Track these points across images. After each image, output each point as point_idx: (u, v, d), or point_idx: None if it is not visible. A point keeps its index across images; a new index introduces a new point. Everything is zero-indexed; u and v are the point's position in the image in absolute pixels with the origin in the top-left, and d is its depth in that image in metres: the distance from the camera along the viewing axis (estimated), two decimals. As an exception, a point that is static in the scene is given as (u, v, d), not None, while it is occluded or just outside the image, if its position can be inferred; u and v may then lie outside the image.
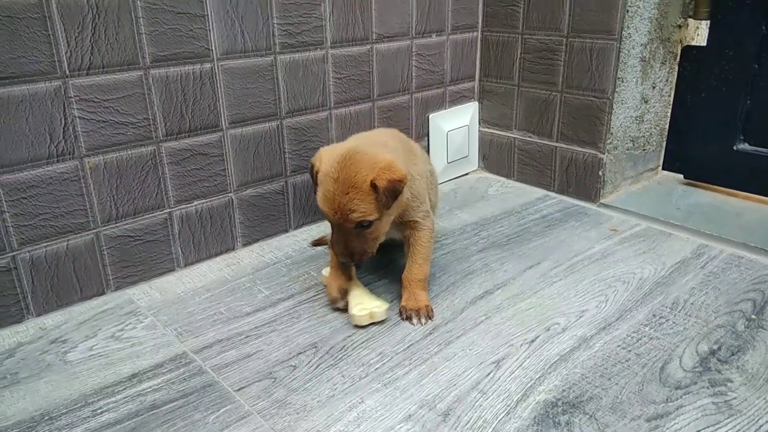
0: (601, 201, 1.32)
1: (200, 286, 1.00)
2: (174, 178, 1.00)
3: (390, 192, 0.79)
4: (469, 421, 0.70)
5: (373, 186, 0.79)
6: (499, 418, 0.70)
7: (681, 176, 1.44)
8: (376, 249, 0.86)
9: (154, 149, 0.96)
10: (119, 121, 0.92)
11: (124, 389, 0.76)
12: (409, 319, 0.88)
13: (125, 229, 0.96)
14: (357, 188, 0.79)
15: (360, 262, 0.86)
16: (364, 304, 0.89)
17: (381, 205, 0.80)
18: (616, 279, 1.01)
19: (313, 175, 0.85)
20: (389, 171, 0.79)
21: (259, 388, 0.75)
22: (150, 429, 0.69)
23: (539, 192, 1.40)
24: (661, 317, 0.90)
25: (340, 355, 0.82)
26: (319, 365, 0.80)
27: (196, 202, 1.03)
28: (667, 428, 0.69)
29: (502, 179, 1.49)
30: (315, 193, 0.84)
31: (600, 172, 1.30)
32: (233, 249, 1.11)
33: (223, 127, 1.03)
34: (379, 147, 0.84)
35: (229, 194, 1.08)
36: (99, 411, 0.72)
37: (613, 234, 1.18)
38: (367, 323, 0.88)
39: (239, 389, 0.75)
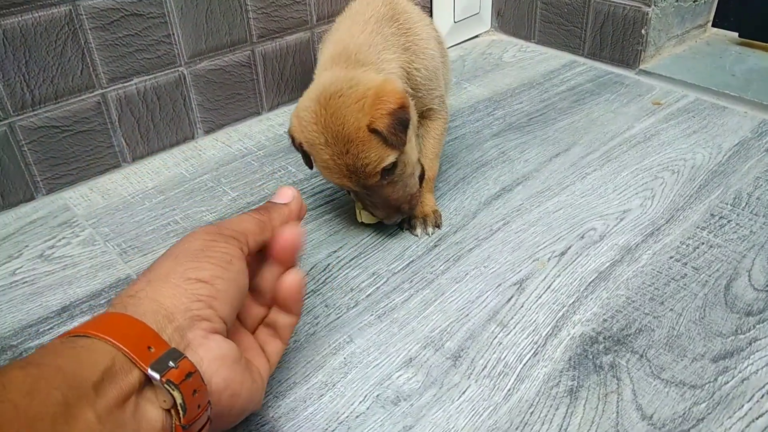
0: (641, 67, 1.08)
1: (151, 187, 0.81)
2: (101, 48, 0.77)
3: (396, 126, 0.59)
4: (485, 366, 0.55)
5: (371, 129, 0.58)
6: (525, 360, 0.55)
7: (735, 34, 1.19)
8: (418, 183, 0.67)
9: (70, 10, 0.72)
10: (12, -29, 0.67)
11: (52, 328, 0.60)
12: (412, 228, 0.71)
13: (47, 118, 0.76)
14: (353, 141, 0.58)
15: (413, 210, 0.68)
16: None
17: (394, 144, 0.60)
18: (663, 168, 0.82)
19: (299, 149, 0.64)
20: (381, 102, 0.58)
21: (221, 324, 0.60)
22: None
23: (565, 57, 1.16)
24: (721, 217, 0.73)
25: (323, 277, 0.65)
26: (296, 291, 0.63)
27: (135, 80, 0.81)
28: (740, 371, 0.54)
29: (520, 42, 1.24)
30: (310, 167, 0.66)
31: (643, 30, 1.06)
32: (192, 138, 0.91)
33: (162, -22, 0.78)
34: (352, 63, 0.63)
35: (179, 68, 0.85)
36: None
37: (657, 109, 0.97)
38: (375, 221, 0.71)
39: (195, 326, 0.59)
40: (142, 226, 0.74)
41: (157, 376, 0.34)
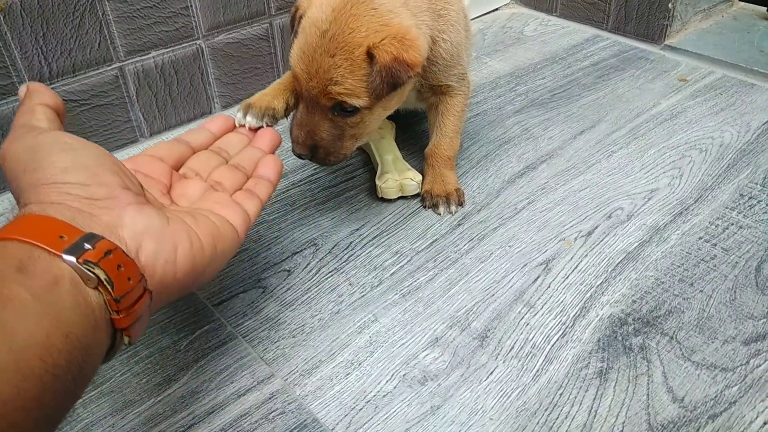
0: (667, 42, 1.06)
1: (170, 163, 0.81)
2: (119, 20, 0.75)
3: (389, 74, 0.54)
4: (513, 346, 0.54)
5: (370, 55, 0.54)
6: (553, 341, 0.54)
7: (763, 9, 1.15)
8: (352, 152, 0.63)
9: (87, -19, 0.71)
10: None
11: (75, 303, 0.60)
12: (434, 207, 0.70)
13: (64, 92, 0.74)
14: (348, 52, 0.54)
15: (324, 164, 0.62)
16: (393, 174, 0.70)
17: (373, 88, 0.55)
18: (690, 146, 0.80)
19: (294, 21, 0.60)
20: (400, 44, 0.54)
21: (245, 301, 0.59)
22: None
23: (588, 31, 1.14)
24: (750, 197, 0.71)
25: (346, 255, 0.64)
26: (320, 269, 0.63)
27: (153, 53, 0.80)
28: (772, 354, 0.53)
29: (542, 15, 1.21)
30: (291, 46, 0.59)
31: (669, 5, 1.03)
32: (210, 112, 0.89)
33: (180, -53, 0.76)
34: (397, 3, 0.57)
35: (197, 41, 0.83)
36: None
37: (683, 85, 0.95)
38: (395, 197, 0.71)
39: (219, 303, 0.59)
40: (162, 202, 0.73)
41: (72, 258, 0.34)
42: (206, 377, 0.52)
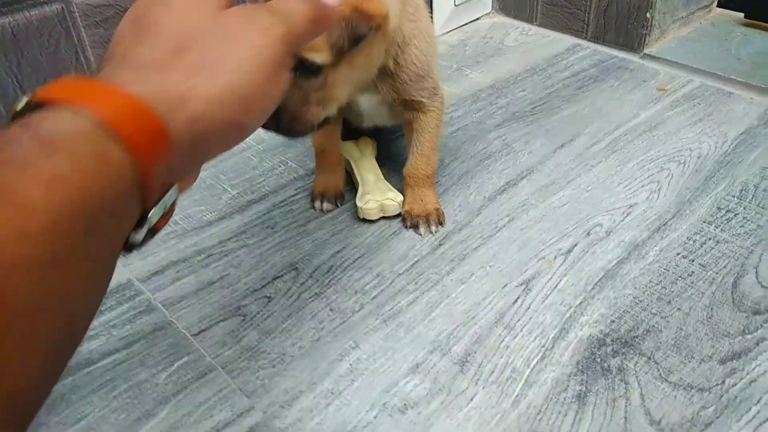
0: (646, 51, 1.06)
1: (150, 186, 0.80)
2: (96, 45, 0.74)
3: (348, 25, 0.51)
4: (493, 371, 0.54)
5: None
6: (532, 365, 0.55)
7: (741, 15, 1.16)
8: (319, 120, 0.57)
9: (63, 8, 0.70)
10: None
11: (54, 336, 0.60)
12: (415, 227, 0.70)
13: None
14: None
15: (290, 134, 0.56)
16: (374, 194, 0.71)
17: (333, 42, 0.51)
18: (669, 158, 0.81)
19: None
20: None
21: (225, 330, 0.59)
22: (83, 395, 0.53)
23: (568, 41, 1.14)
24: (727, 211, 0.72)
25: (327, 280, 0.64)
26: (300, 294, 0.63)
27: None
28: (747, 372, 0.53)
29: (522, 25, 1.21)
30: None
31: (648, 14, 1.03)
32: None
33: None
34: None
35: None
36: (21, 369, 0.56)
37: (662, 95, 0.96)
38: (376, 217, 0.71)
39: (198, 333, 0.59)
40: (142, 227, 0.73)
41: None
42: (185, 411, 0.51)
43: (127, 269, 0.67)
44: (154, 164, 0.28)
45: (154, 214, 0.29)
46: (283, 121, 0.53)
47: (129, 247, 0.29)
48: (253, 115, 0.33)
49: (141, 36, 0.32)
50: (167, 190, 0.30)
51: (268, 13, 0.34)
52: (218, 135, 0.31)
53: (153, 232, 0.30)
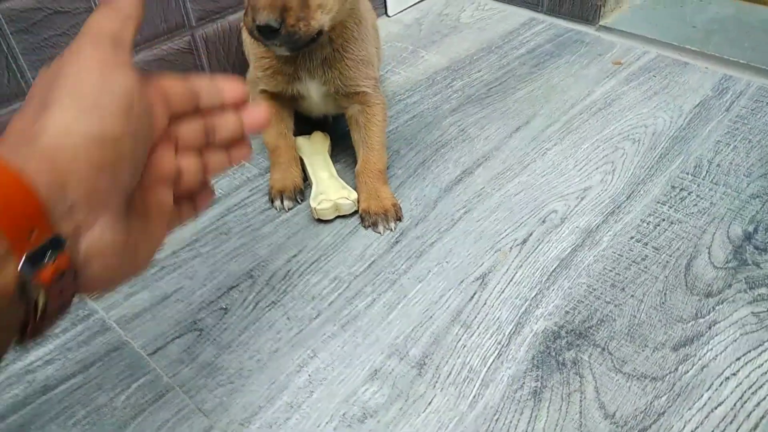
0: (602, 23, 1.05)
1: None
2: (27, 52, 0.71)
3: None
4: (450, 372, 0.55)
5: None
6: (489, 363, 0.55)
7: (696, -22, 1.15)
8: (321, 26, 0.59)
9: None
10: None
11: (7, 365, 0.58)
12: (374, 225, 0.69)
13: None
14: None
15: (292, 40, 0.57)
16: (327, 193, 0.70)
17: None
18: (623, 137, 0.81)
19: None
20: None
21: (181, 347, 0.58)
22: (42, 425, 0.52)
23: (524, 15, 1.12)
24: (681, 189, 0.72)
25: (284, 287, 0.64)
26: (257, 304, 0.62)
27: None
28: (699, 358, 0.55)
29: (477, -1, 1.19)
30: None
31: (602, -15, 1.02)
32: (139, 135, 0.86)
33: (84, -32, 0.72)
34: None
35: (116, 65, 0.80)
36: (-27, 402, 0.55)
37: (618, 69, 0.95)
38: (332, 217, 0.70)
39: (155, 351, 0.58)
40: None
41: (28, 272, 0.26)
42: (144, 436, 0.51)
43: (78, 288, 0.65)
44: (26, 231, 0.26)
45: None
46: (289, 20, 0.56)
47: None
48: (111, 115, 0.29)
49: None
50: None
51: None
52: (86, 153, 0.28)
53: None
